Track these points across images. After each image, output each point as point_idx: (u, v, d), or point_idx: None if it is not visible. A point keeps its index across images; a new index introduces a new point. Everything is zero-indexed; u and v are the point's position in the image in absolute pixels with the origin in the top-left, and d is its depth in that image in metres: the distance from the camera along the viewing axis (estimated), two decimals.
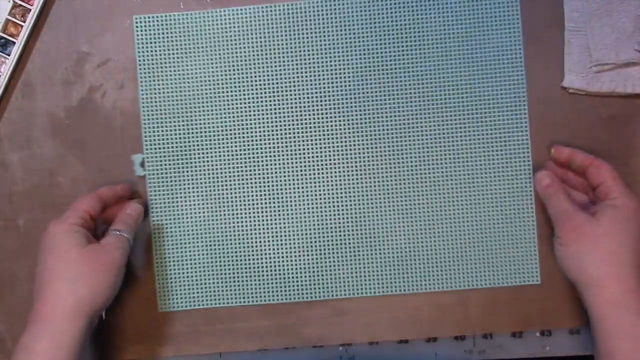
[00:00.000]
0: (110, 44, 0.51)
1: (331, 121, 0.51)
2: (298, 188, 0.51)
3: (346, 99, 0.50)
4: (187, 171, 0.51)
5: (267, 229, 0.51)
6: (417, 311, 0.51)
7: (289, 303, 0.51)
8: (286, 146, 0.51)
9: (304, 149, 0.51)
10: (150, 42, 0.51)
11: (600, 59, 0.49)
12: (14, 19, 0.50)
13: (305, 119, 0.50)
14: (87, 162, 0.51)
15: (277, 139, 0.51)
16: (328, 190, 0.51)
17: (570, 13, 0.50)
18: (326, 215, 0.51)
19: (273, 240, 0.51)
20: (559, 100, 0.51)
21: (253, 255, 0.51)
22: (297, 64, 0.50)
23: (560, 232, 0.46)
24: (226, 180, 0.51)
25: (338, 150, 0.51)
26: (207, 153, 0.51)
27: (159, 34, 0.51)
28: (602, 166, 0.47)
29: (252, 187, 0.51)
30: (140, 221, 0.49)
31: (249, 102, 0.51)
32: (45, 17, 0.51)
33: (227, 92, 0.51)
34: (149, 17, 0.51)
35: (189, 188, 0.51)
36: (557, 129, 0.50)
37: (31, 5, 0.50)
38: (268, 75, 0.50)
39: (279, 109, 0.51)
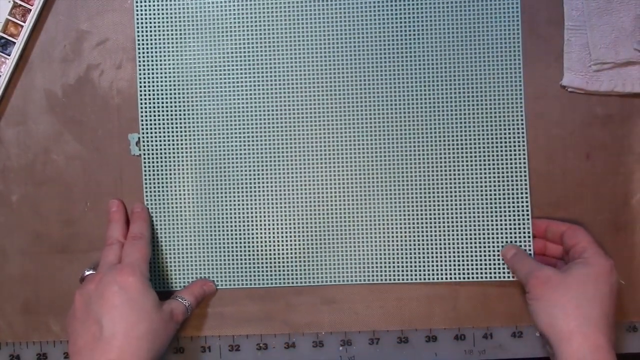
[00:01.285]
0: (109, 23, 0.51)
1: (328, 108, 0.50)
2: (291, 174, 0.51)
3: (344, 88, 0.50)
4: (183, 152, 0.51)
5: (259, 213, 0.51)
6: (407, 302, 0.51)
7: (278, 290, 0.51)
8: (280, 131, 0.51)
9: (298, 135, 0.51)
10: (151, 21, 0.50)
11: (599, 58, 0.49)
12: (14, 19, 0.50)
13: (303, 106, 0.50)
14: (82, 141, 0.51)
15: (273, 123, 0.51)
16: (321, 176, 0.51)
17: (570, 12, 0.50)
18: (318, 202, 0.51)
19: (264, 225, 0.51)
20: (557, 98, 0.51)
21: (244, 238, 0.51)
22: (299, 49, 0.50)
23: (531, 287, 0.46)
24: (220, 163, 0.51)
25: (330, 137, 0.50)
26: (202, 135, 0.51)
27: (159, 13, 0.50)
28: (578, 230, 0.47)
29: (245, 171, 0.51)
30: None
31: (248, 86, 0.50)
32: (46, 17, 0.51)
33: (226, 74, 0.50)
34: None
35: (183, 169, 0.51)
36: (553, 127, 0.50)
37: (31, 5, 0.50)
38: (269, 59, 0.50)
39: (278, 93, 0.50)
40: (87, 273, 0.50)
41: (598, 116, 0.50)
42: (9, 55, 0.50)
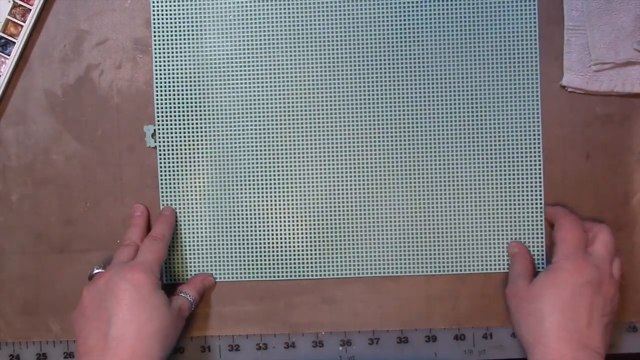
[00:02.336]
0: (109, 23, 0.51)
1: (339, 104, 0.50)
2: (303, 166, 0.51)
3: (357, 84, 0.50)
4: (198, 144, 0.51)
5: (269, 206, 0.51)
6: (406, 302, 0.51)
7: (278, 289, 0.51)
8: (290, 125, 0.50)
9: (308, 127, 0.50)
10: (166, 13, 0.50)
11: (599, 58, 0.49)
12: (14, 19, 0.50)
13: (316, 101, 0.50)
14: (81, 141, 0.51)
15: (284, 118, 0.50)
16: (329, 172, 0.50)
17: (570, 12, 0.50)
18: (332, 196, 0.51)
19: (274, 218, 0.51)
20: (557, 97, 0.51)
21: (256, 231, 0.51)
22: (319, 43, 0.50)
23: (506, 299, 0.47)
24: (234, 156, 0.51)
25: (342, 130, 0.50)
26: (217, 127, 0.50)
27: (175, 4, 0.50)
28: (564, 224, 0.46)
29: (259, 164, 0.51)
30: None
31: (262, 79, 0.50)
32: (46, 17, 0.51)
33: (242, 67, 0.50)
34: None
35: (198, 161, 0.51)
36: (553, 127, 0.50)
37: (31, 5, 0.50)
38: (284, 51, 0.50)
39: (292, 88, 0.50)
40: (96, 271, 0.49)
41: (598, 116, 0.50)
42: (9, 55, 0.50)
